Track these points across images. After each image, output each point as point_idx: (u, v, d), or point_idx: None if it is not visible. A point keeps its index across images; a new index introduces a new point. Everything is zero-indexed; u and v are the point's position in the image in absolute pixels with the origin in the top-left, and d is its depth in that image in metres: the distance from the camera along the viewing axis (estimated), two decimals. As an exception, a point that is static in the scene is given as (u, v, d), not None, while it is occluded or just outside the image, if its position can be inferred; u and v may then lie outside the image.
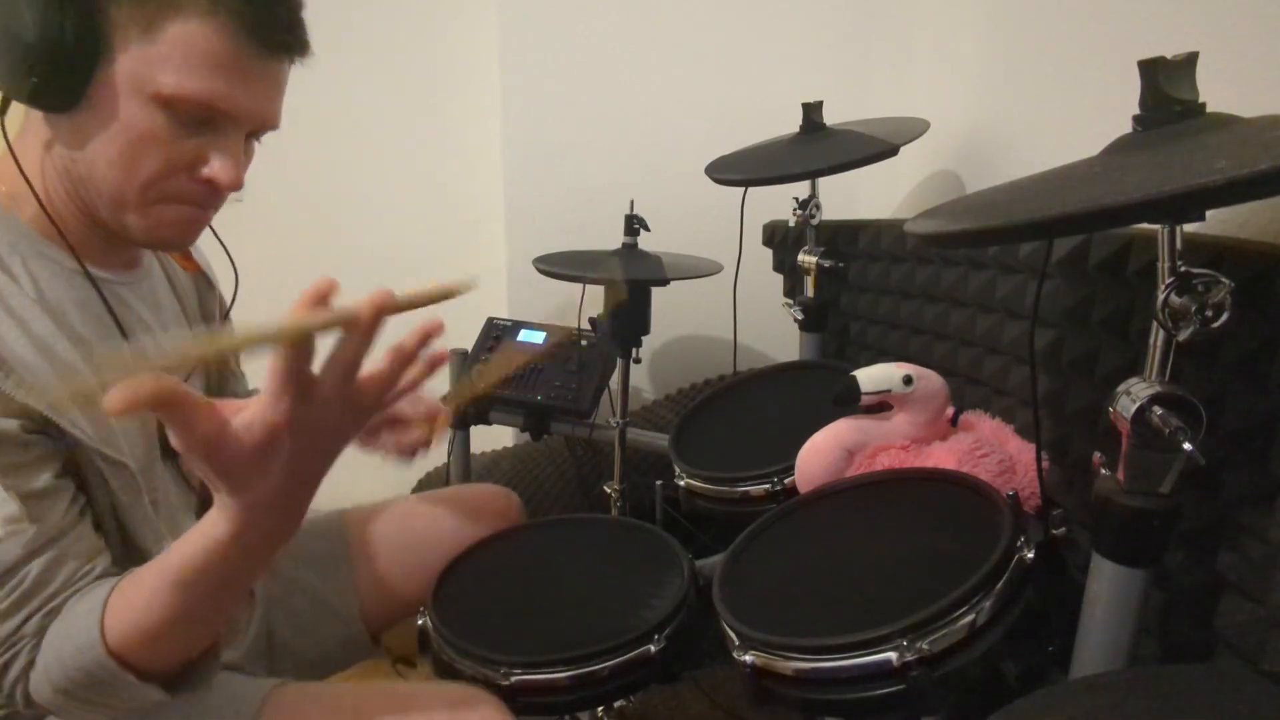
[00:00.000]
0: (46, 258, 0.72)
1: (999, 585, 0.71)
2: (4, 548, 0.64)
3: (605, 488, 1.47)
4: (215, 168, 0.71)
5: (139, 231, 0.73)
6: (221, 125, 0.70)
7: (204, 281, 0.95)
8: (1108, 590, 0.71)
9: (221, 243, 0.90)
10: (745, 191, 1.43)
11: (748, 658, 0.77)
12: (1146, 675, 0.67)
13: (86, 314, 0.73)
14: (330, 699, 0.81)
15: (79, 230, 0.74)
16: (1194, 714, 0.59)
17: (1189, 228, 0.63)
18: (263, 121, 0.74)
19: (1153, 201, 0.50)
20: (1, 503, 0.64)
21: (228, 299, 0.97)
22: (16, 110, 0.73)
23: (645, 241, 1.36)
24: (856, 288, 1.51)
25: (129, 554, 0.74)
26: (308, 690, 0.82)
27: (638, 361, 1.38)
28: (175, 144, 0.69)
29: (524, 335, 1.58)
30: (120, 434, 0.75)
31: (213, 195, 0.74)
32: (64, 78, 0.65)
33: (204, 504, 0.94)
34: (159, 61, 0.66)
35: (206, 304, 0.95)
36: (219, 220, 0.91)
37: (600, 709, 1.13)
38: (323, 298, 0.53)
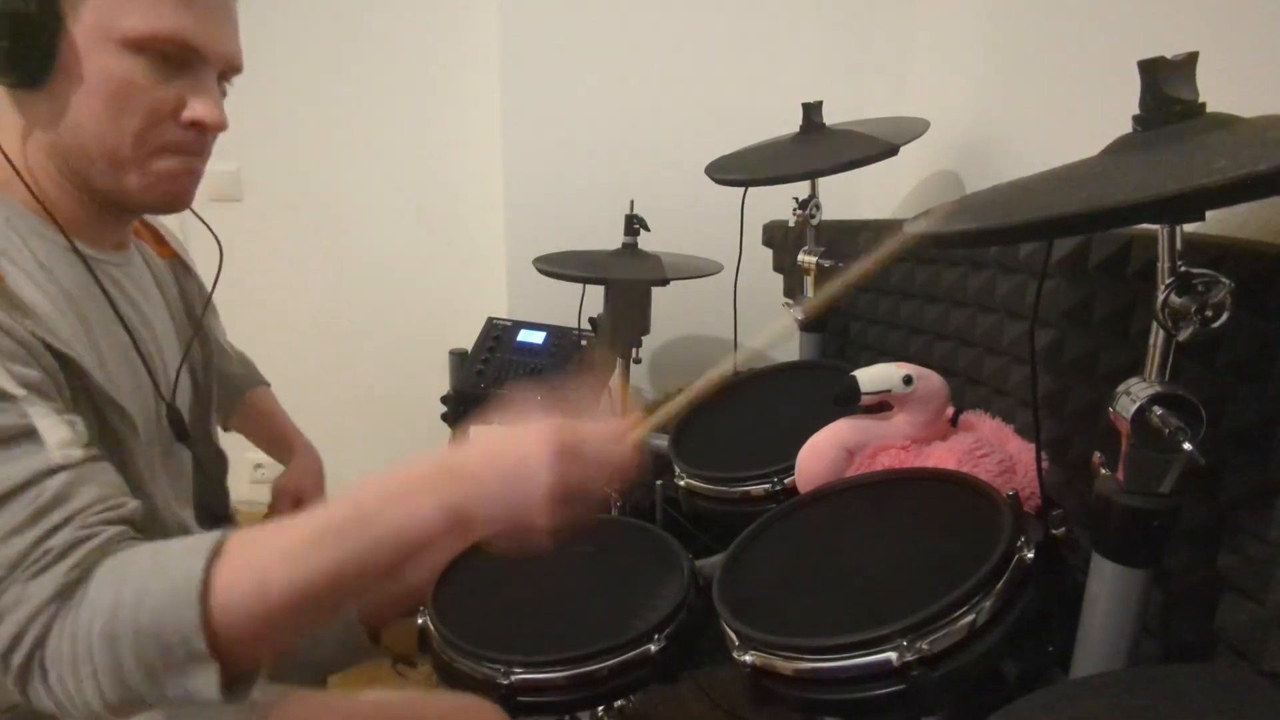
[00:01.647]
0: (43, 236, 0.72)
1: (999, 585, 0.71)
2: (29, 462, 0.58)
3: (605, 487, 1.47)
4: (198, 108, 0.71)
5: (138, 192, 0.72)
6: (194, 66, 0.71)
7: (181, 267, 0.95)
8: (1108, 590, 0.71)
9: (205, 222, 0.90)
10: (745, 191, 1.43)
11: (748, 658, 0.77)
12: (1146, 675, 0.67)
13: (81, 292, 0.73)
14: (328, 710, 0.81)
15: (71, 211, 0.74)
16: (1194, 714, 0.59)
17: (1189, 228, 0.63)
18: (228, 60, 0.74)
19: (1153, 202, 0.50)
20: (53, 426, 0.60)
21: (208, 284, 0.96)
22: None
23: (645, 241, 1.36)
24: (856, 288, 1.50)
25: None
26: (306, 700, 0.82)
27: (638, 361, 1.38)
28: (154, 90, 0.69)
29: (524, 335, 1.58)
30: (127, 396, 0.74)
31: (201, 141, 0.74)
32: (31, 48, 0.65)
33: (199, 503, 0.93)
34: (120, 7, 0.66)
35: (186, 289, 0.94)
36: (217, 216, 0.91)
37: (600, 709, 1.13)
38: None
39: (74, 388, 0.66)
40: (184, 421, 0.84)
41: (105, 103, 0.68)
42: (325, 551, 0.58)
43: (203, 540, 0.58)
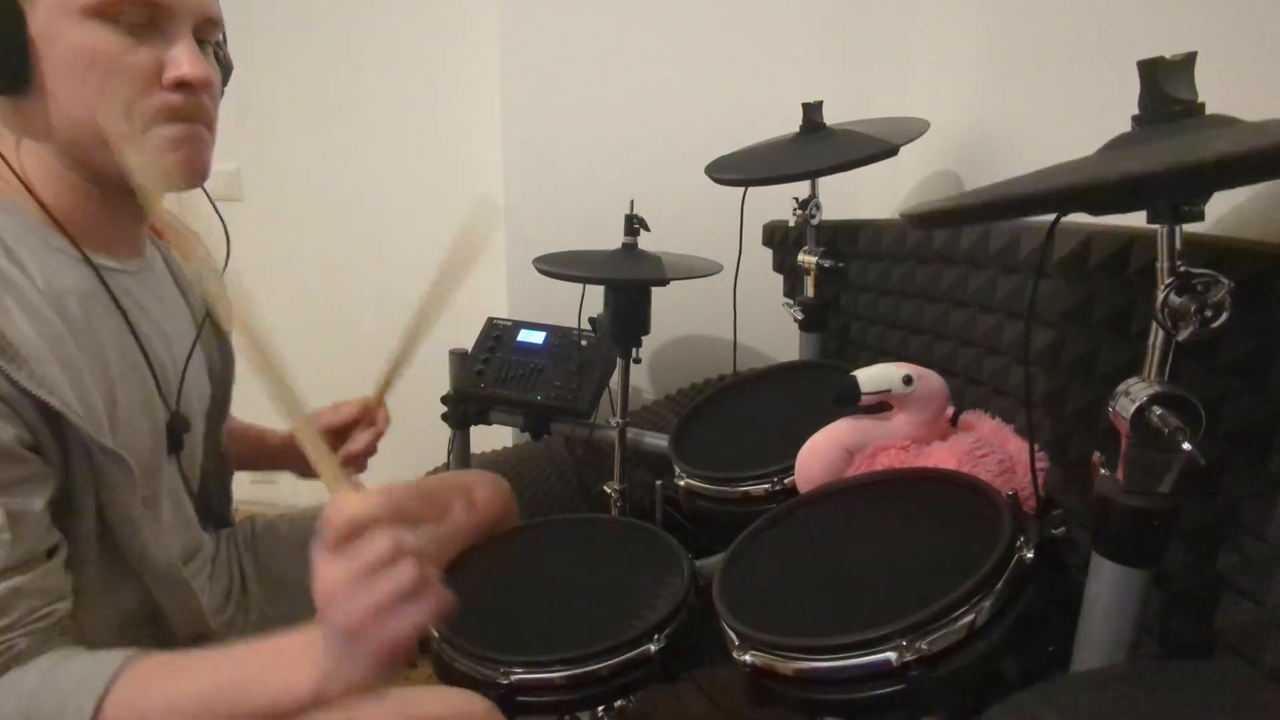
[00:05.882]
0: (54, 248, 0.72)
1: (998, 585, 0.71)
2: None
3: (605, 488, 1.47)
4: (179, 64, 0.70)
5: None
6: (164, 24, 0.70)
7: None
8: (1108, 590, 0.71)
9: (214, 205, 0.89)
10: (745, 191, 1.43)
11: (748, 658, 0.77)
12: (1146, 672, 0.67)
13: (93, 304, 0.73)
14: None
15: (86, 217, 0.74)
16: (1194, 714, 0.59)
17: (1189, 228, 0.63)
18: (198, 9, 0.72)
19: (1144, 178, 0.50)
20: None
21: (231, 292, 0.96)
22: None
23: (645, 241, 1.36)
24: (856, 288, 1.50)
25: (106, 553, 0.73)
26: None
27: (638, 361, 1.38)
28: (129, 56, 0.69)
29: (524, 335, 1.58)
30: (129, 428, 0.74)
31: (193, 102, 0.73)
32: (7, 50, 0.65)
33: (202, 505, 0.93)
34: None
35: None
36: (223, 215, 0.91)
37: (600, 709, 1.12)
38: None
39: (63, 431, 0.67)
40: (182, 430, 0.83)
41: (86, 78, 0.68)
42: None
43: (98, 671, 0.63)
